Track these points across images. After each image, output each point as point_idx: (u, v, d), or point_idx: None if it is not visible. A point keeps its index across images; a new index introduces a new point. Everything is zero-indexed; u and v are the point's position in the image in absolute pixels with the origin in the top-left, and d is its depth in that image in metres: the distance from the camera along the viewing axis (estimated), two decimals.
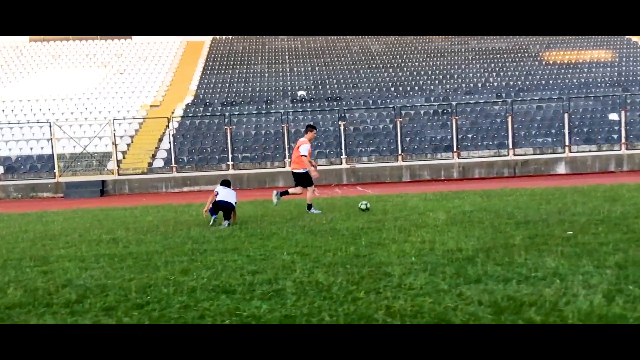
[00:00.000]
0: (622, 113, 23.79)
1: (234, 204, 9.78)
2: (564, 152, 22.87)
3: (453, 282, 4.94)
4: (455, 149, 22.96)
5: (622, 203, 10.12)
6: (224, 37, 46.47)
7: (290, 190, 11.40)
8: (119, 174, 23.09)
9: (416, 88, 36.41)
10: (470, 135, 28.09)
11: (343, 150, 22.84)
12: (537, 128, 28.08)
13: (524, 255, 5.86)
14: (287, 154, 22.00)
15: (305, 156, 10.91)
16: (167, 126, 28.36)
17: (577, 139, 25.07)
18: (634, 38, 43.88)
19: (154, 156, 25.50)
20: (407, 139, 27.88)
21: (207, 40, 45.41)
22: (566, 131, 22.92)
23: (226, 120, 26.59)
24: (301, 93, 35.78)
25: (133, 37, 45.93)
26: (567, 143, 22.93)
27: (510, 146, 23.03)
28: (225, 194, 9.75)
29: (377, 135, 27.72)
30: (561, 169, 22.55)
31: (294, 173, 11.21)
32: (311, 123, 11.00)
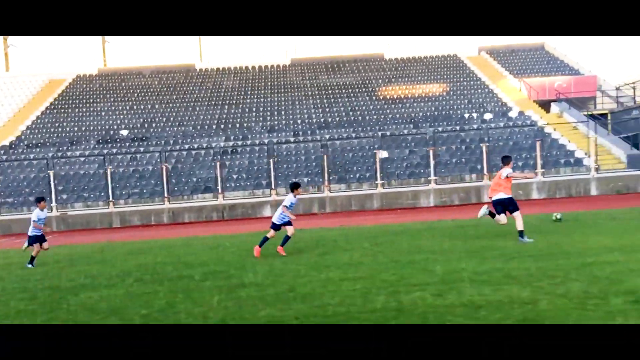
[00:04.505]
0: (378, 153, 25.58)
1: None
2: (270, 196, 24.53)
3: None
4: (166, 194, 24.62)
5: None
6: (87, 74, 48.47)
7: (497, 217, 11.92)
8: None
9: (237, 126, 38.21)
10: (235, 176, 29.91)
11: (53, 197, 24.46)
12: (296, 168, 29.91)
13: None
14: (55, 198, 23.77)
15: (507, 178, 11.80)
16: None
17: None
18: (480, 73, 45.63)
19: None
20: (173, 180, 29.77)
21: (69, 77, 47.31)
22: (272, 175, 24.58)
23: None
24: (123, 132, 37.57)
25: (1, 74, 48.00)
26: (273, 187, 24.60)
27: (220, 190, 24.67)
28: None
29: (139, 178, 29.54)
30: (267, 211, 24.18)
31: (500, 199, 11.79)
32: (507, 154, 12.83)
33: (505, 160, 12.35)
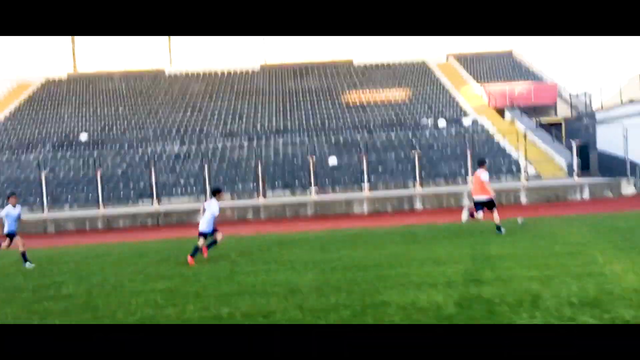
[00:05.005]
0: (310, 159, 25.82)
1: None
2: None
3: None
4: (100, 200, 24.87)
5: None
6: (57, 77, 48.84)
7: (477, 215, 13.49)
8: None
9: (196, 131, 38.48)
10: (182, 181, 30.26)
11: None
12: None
13: None
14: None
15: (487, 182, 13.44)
16: None
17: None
18: (445, 80, 45.85)
19: None
20: (121, 184, 30.12)
21: (37, 82, 47.66)
22: (207, 181, 24.82)
23: None
24: (83, 137, 37.89)
25: None
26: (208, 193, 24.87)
27: (156, 196, 24.96)
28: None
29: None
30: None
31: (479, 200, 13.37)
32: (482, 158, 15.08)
33: (480, 163, 13.92)
